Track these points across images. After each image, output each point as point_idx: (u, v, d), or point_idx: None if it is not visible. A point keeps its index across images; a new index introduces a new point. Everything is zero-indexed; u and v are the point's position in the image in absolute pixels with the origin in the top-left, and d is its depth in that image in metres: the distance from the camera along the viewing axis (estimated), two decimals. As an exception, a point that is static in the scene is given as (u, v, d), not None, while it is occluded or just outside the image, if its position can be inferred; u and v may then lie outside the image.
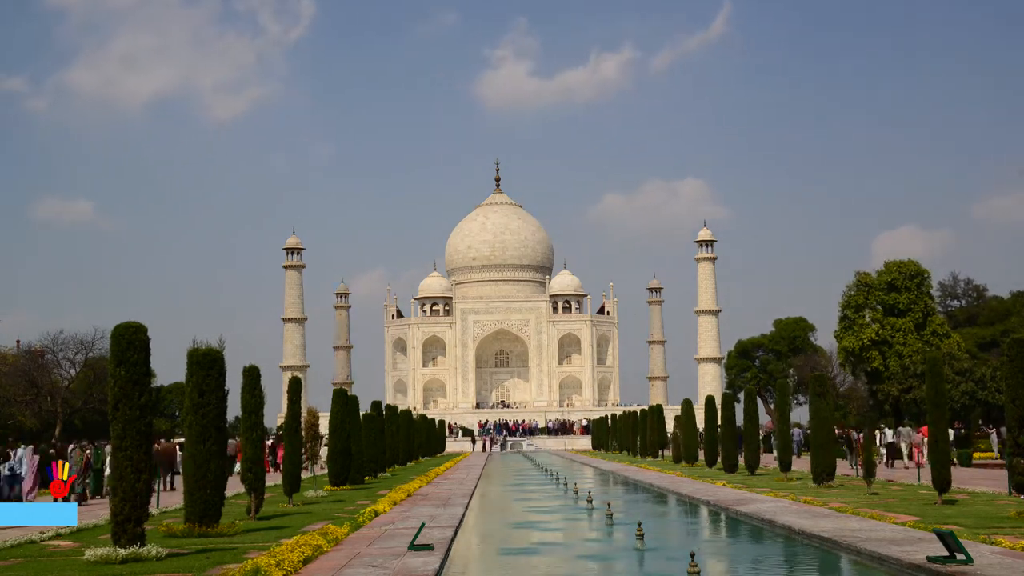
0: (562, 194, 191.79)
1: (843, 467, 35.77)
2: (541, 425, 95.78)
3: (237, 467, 31.79)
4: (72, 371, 67.14)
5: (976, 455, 43.50)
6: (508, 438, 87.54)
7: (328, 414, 32.18)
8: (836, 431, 37.01)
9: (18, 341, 77.40)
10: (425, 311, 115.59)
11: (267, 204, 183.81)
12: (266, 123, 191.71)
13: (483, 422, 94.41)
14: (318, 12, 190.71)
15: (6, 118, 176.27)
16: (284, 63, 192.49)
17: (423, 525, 15.95)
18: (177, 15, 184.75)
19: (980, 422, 60.83)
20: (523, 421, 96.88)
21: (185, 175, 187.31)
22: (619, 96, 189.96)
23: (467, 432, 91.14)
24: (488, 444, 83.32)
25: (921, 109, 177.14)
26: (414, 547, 14.45)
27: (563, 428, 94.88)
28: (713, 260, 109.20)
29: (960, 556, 12.16)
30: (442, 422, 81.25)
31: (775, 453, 36.36)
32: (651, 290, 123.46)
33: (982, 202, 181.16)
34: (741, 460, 37.06)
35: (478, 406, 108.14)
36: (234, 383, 19.05)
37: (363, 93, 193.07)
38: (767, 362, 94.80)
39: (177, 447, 33.91)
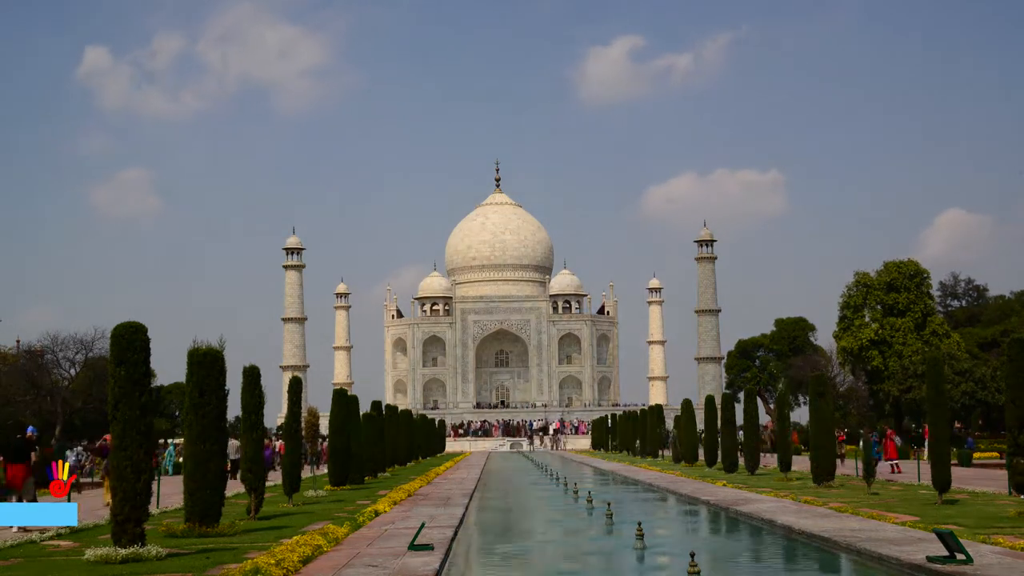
0: (562, 193, 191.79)
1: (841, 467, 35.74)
2: (536, 427, 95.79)
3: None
4: (72, 371, 67.03)
5: (976, 455, 43.46)
6: (507, 438, 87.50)
7: (328, 414, 32.22)
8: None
9: (18, 341, 77.32)
10: (425, 311, 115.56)
11: (267, 204, 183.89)
12: (290, 123, 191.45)
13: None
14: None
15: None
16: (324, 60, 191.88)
17: (423, 525, 15.94)
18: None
19: (980, 422, 60.80)
20: (535, 421, 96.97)
21: (190, 175, 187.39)
22: (619, 95, 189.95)
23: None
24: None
25: (939, 109, 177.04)
26: (414, 547, 14.44)
27: (545, 429, 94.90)
28: (713, 260, 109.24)
29: (960, 556, 12.16)
30: (442, 422, 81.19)
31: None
32: (651, 290, 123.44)
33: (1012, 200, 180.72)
34: (741, 460, 37.09)
35: (478, 406, 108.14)
36: (234, 383, 19.09)
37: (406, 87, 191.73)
38: (767, 362, 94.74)
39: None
